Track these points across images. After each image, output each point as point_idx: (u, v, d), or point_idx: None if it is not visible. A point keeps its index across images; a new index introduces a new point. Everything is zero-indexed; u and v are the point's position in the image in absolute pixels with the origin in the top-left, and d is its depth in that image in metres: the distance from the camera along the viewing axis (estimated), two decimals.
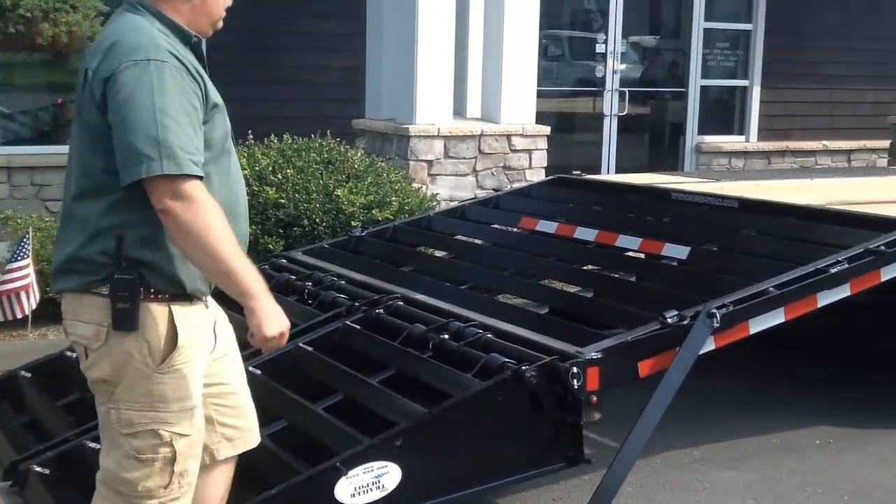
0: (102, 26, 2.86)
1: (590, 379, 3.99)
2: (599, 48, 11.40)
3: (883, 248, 4.86)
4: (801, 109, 12.39)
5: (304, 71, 9.70)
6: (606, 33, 11.36)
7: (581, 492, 4.55)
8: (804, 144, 12.37)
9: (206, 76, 2.92)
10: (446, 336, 4.44)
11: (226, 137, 2.97)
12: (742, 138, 12.26)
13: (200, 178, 2.75)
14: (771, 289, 4.55)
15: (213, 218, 2.74)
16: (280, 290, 5.52)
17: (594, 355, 4.03)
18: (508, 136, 8.97)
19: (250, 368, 4.65)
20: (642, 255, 5.85)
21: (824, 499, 4.72)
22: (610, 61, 11.36)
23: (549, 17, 11.37)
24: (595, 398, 4.01)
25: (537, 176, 8.80)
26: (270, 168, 7.31)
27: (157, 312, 2.84)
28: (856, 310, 5.53)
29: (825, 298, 4.72)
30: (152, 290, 2.83)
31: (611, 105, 11.40)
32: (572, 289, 5.85)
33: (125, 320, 2.81)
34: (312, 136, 7.85)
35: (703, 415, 5.59)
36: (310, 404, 4.30)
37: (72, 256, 2.86)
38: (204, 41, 3.05)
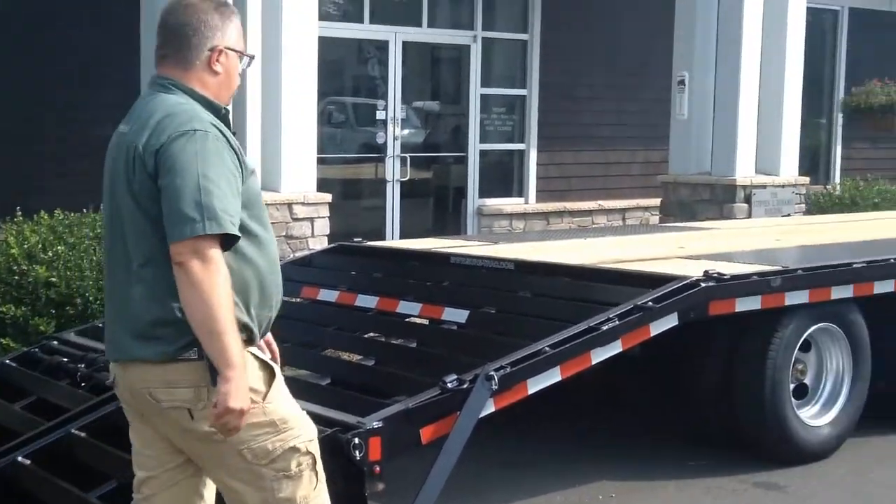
0: (137, 104, 3.21)
1: (371, 449, 3.97)
2: (380, 115, 11.52)
3: (650, 303, 5.03)
4: (576, 171, 12.83)
5: (76, 141, 9.40)
6: (386, 100, 11.49)
7: None
8: (581, 205, 12.78)
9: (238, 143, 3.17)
10: None
11: (260, 195, 3.25)
12: (521, 200, 12.59)
13: (238, 237, 3.00)
14: (546, 348, 4.65)
15: (221, 282, 2.94)
16: (51, 373, 5.29)
17: (375, 425, 4.01)
18: (290, 205, 8.91)
19: (19, 459, 4.45)
20: (424, 321, 5.88)
21: None
22: (391, 127, 11.48)
23: (333, 83, 11.44)
24: (378, 468, 3.99)
25: (320, 244, 8.76)
26: (40, 245, 6.99)
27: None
28: (633, 363, 5.70)
29: (599, 355, 4.86)
30: None
31: (393, 171, 11.51)
32: (354, 358, 5.82)
33: None
34: (85, 210, 7.55)
35: (488, 477, 5.63)
36: (82, 493, 4.12)
37: (155, 320, 3.02)
38: None
